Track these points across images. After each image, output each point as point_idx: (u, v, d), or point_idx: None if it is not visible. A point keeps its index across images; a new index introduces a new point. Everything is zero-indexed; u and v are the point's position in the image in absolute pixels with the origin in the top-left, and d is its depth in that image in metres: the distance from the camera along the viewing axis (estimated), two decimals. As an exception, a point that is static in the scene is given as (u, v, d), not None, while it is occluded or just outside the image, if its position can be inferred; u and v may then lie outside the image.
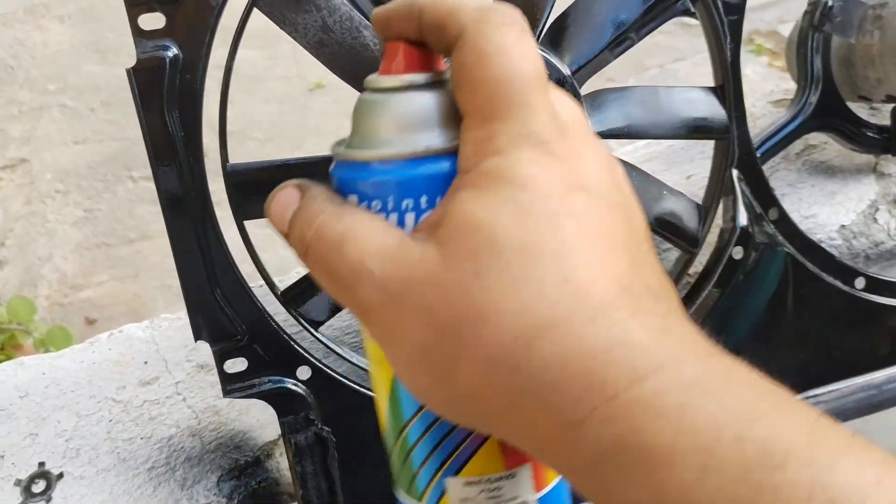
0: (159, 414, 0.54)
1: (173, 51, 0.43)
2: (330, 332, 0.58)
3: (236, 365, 0.47)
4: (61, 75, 2.57)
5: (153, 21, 0.42)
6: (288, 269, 0.59)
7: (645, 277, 0.27)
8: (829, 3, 0.62)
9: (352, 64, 0.47)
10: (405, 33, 0.30)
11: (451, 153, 0.28)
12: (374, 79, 0.30)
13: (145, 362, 0.57)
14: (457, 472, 0.31)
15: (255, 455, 0.53)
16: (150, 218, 2.03)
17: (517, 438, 0.27)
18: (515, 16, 0.28)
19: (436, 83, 0.30)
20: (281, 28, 0.46)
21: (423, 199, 0.29)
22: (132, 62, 0.43)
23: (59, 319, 1.75)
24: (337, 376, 0.49)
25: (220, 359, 0.47)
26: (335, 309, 0.51)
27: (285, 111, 2.39)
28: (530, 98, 0.27)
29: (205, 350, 0.57)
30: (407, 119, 0.29)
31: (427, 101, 0.29)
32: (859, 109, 0.69)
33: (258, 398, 0.47)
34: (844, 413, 0.59)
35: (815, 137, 0.70)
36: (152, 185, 0.44)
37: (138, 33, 0.42)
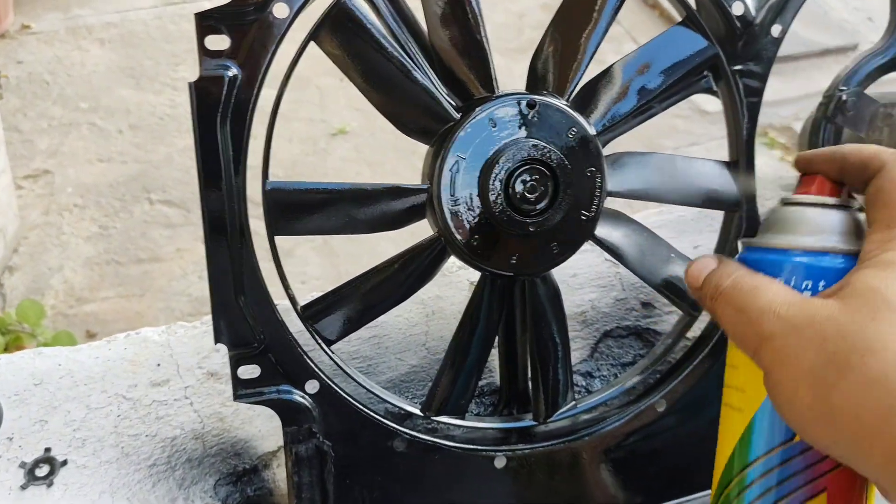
0: (166, 414, 0.56)
1: (233, 71, 0.46)
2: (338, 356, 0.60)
3: (250, 371, 0.49)
4: (94, 95, 2.65)
5: (219, 42, 0.46)
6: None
7: None
8: (844, 98, 0.65)
9: (397, 105, 0.51)
10: (823, 171, 0.41)
11: (850, 255, 0.38)
12: (794, 196, 0.41)
13: (158, 364, 0.59)
14: None
15: (253, 463, 0.55)
16: (163, 241, 2.07)
17: (871, 459, 0.33)
18: None
19: (841, 206, 0.40)
20: (334, 63, 0.50)
21: (821, 284, 0.38)
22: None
23: (61, 329, 1.76)
24: (343, 394, 0.51)
25: (236, 364, 0.49)
26: (346, 331, 0.53)
27: (307, 151, 2.45)
28: None
29: (216, 359, 0.60)
30: (823, 225, 0.40)
31: (838, 216, 0.40)
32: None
33: (266, 405, 0.49)
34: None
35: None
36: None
37: (204, 52, 0.46)
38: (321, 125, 2.56)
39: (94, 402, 0.56)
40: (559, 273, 0.67)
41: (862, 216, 0.40)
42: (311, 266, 2.06)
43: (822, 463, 0.38)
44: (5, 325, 1.27)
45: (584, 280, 0.67)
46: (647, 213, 0.75)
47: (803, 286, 0.38)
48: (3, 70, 2.76)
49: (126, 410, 0.56)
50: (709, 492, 0.43)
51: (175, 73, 2.66)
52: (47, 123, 2.53)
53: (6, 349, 1.24)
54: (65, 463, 0.53)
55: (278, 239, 0.50)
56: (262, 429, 0.56)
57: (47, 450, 0.53)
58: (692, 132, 2.60)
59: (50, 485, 0.52)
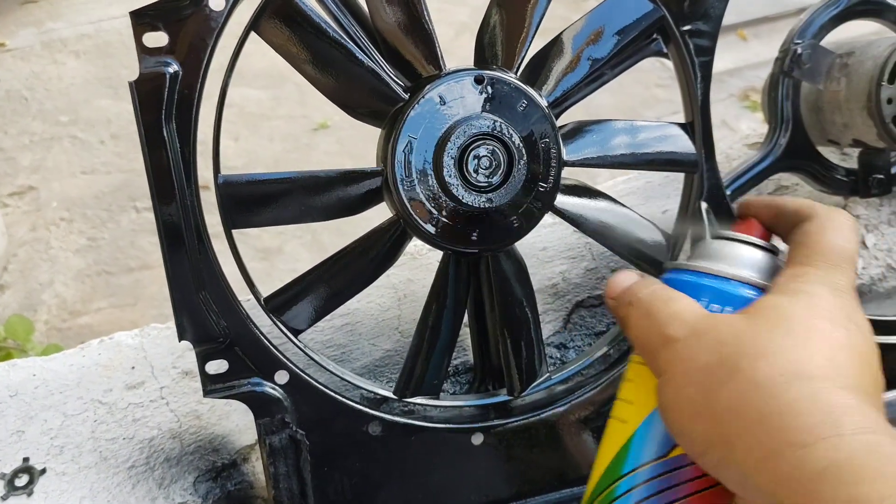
0: (143, 416, 0.56)
1: (174, 67, 0.46)
2: (312, 346, 0.60)
3: (217, 366, 0.49)
4: (73, 108, 2.64)
5: (157, 39, 0.46)
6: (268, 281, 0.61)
7: (877, 382, 0.38)
8: (799, 51, 0.65)
9: (344, 90, 0.50)
10: (759, 215, 0.46)
11: (760, 288, 0.42)
12: (724, 232, 0.46)
13: (133, 367, 0.59)
14: None
15: (232, 458, 0.55)
16: (151, 248, 2.06)
17: (742, 461, 0.35)
18: (852, 218, 0.43)
19: (766, 249, 0.44)
20: (278, 53, 0.50)
21: (728, 310, 0.41)
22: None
23: (53, 343, 1.76)
24: (314, 382, 0.51)
25: (203, 360, 0.49)
26: (315, 319, 0.54)
27: (289, 149, 2.44)
28: (842, 264, 0.41)
29: (190, 357, 0.60)
30: (743, 259, 0.43)
31: (758, 254, 0.44)
32: (831, 154, 0.72)
33: (237, 399, 0.49)
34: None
35: (788, 179, 0.73)
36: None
37: (143, 50, 0.46)
38: (302, 121, 2.55)
39: (71, 409, 0.56)
40: (529, 248, 0.68)
41: (782, 263, 0.43)
42: (301, 262, 2.05)
43: (689, 483, 0.39)
44: (-5, 342, 1.27)
45: (554, 253, 0.67)
46: (616, 182, 0.75)
47: (711, 308, 0.41)
48: (-20, 89, 2.74)
49: (102, 415, 0.56)
50: None
51: (152, 80, 2.65)
52: (29, 139, 2.52)
53: (-2, 367, 1.24)
54: (44, 471, 0.53)
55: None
56: (239, 423, 0.56)
57: (25, 459, 0.54)
58: (673, 101, 2.59)
59: (30, 494, 0.52)
